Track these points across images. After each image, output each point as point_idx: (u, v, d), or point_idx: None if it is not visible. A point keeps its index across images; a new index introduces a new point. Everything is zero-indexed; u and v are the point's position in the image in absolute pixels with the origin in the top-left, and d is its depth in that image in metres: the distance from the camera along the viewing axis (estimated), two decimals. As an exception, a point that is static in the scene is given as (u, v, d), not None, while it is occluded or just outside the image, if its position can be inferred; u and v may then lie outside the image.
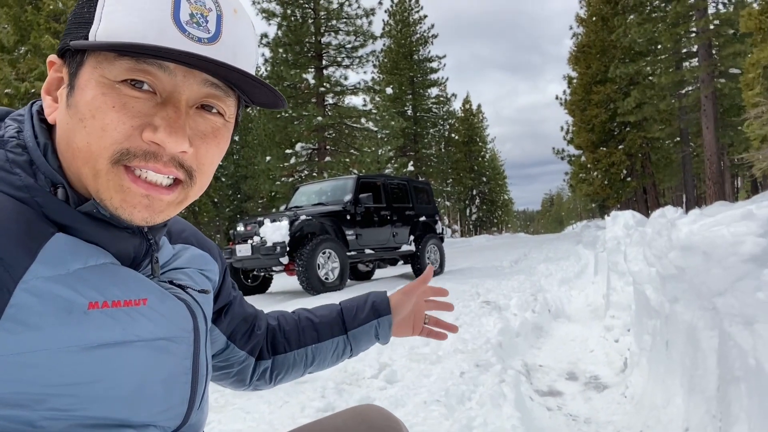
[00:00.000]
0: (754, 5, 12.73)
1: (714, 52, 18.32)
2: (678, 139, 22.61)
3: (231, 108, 0.64)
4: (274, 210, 18.75)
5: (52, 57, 0.63)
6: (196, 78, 0.58)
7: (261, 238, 7.61)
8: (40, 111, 0.64)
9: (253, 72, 0.63)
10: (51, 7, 14.31)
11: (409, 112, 33.08)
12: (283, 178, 19.44)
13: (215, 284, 0.84)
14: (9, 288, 0.50)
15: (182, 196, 0.62)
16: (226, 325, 0.91)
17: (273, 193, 20.30)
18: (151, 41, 0.54)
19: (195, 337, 0.69)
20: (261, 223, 7.82)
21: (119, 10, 0.55)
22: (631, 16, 21.10)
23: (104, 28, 0.55)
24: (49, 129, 0.63)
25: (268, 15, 19.54)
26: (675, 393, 2.45)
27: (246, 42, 0.62)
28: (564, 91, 28.77)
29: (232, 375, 0.95)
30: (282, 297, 7.98)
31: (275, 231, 7.52)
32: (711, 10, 18.65)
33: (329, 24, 20.19)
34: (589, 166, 25.49)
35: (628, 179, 24.57)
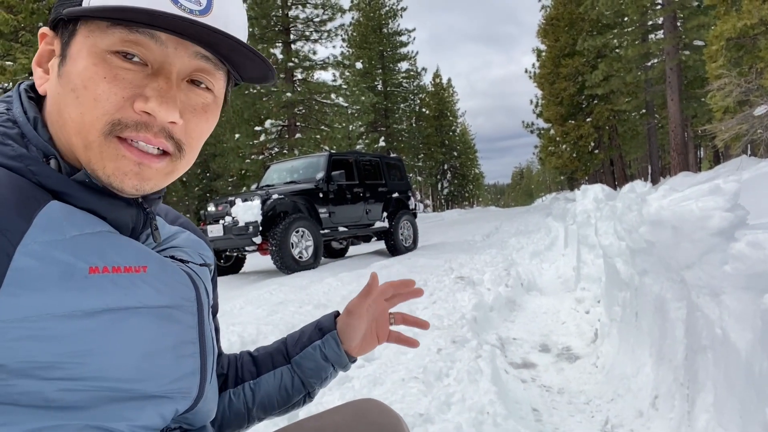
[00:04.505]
0: (718, -23, 12.84)
1: (679, 24, 18.56)
2: (644, 111, 23.00)
3: (220, 82, 0.65)
4: (245, 189, 18.48)
5: (44, 29, 0.63)
6: (188, 50, 0.59)
7: (233, 218, 7.52)
8: (27, 90, 0.65)
9: None
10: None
11: (380, 87, 32.80)
12: (252, 156, 19.12)
13: (211, 270, 0.83)
14: (8, 252, 0.51)
15: (171, 168, 0.62)
16: None
17: (243, 171, 19.97)
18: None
19: (198, 307, 0.69)
20: (233, 203, 7.71)
21: None
22: (599, -12, 21.19)
23: None
24: (39, 104, 0.64)
25: (233, -13, 18.93)
26: (644, 362, 2.53)
27: (236, 15, 0.63)
28: (533, 64, 28.96)
29: None
30: (256, 277, 7.93)
31: (247, 210, 7.43)
32: (676, -18, 18.84)
33: (296, -4, 19.73)
34: (558, 139, 25.81)
35: (596, 151, 25.00)
